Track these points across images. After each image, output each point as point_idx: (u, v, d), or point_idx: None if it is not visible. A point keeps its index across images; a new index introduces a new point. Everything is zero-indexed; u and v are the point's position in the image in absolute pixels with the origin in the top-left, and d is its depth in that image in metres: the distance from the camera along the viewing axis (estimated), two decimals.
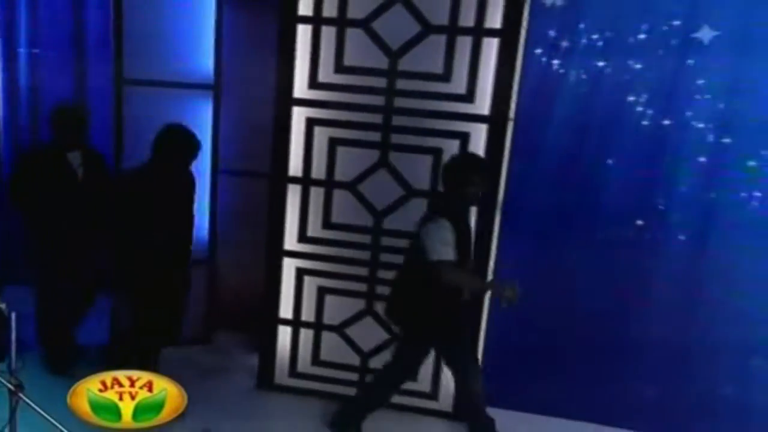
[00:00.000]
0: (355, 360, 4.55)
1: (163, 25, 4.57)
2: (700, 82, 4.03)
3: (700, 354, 4.24)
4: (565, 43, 4.12)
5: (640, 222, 4.23)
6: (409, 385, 4.47)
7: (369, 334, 4.49)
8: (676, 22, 3.97)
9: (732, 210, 4.10)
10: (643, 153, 4.12)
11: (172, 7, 4.57)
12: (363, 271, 4.40)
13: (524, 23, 3.96)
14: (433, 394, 4.49)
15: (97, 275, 4.54)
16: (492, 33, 3.92)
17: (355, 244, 4.37)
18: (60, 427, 3.02)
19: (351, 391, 4.54)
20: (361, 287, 4.43)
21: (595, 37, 4.08)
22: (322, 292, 4.49)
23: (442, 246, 3.64)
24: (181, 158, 4.17)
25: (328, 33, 4.10)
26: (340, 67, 4.13)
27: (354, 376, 4.56)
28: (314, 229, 4.39)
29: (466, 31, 3.94)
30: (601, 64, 4.11)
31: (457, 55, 3.98)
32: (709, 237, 4.16)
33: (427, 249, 3.63)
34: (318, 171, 4.31)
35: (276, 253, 4.46)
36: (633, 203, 4.22)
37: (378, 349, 4.49)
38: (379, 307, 4.35)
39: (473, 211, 4.08)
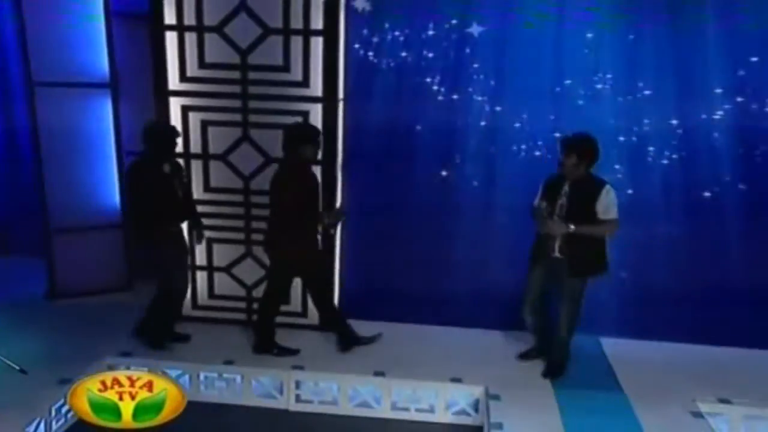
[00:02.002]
0: (241, 292, 4.64)
1: (61, 35, 4.44)
2: (476, 65, 4.26)
3: (489, 256, 4.54)
4: (375, 39, 4.25)
5: (444, 173, 4.46)
6: (283, 308, 4.58)
7: (250, 271, 4.58)
8: (454, 21, 4.19)
9: (507, 160, 4.39)
10: (441, 121, 4.32)
11: (68, 19, 4.43)
12: (240, 223, 4.47)
13: (341, 25, 4.08)
14: (303, 313, 4.65)
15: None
16: (317, 33, 4.02)
17: (230, 202, 4.42)
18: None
19: (241, 316, 4.67)
20: (240, 236, 4.50)
21: (397, 34, 4.23)
22: (210, 241, 4.53)
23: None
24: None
25: (190, 37, 4.10)
26: (203, 64, 4.14)
27: (242, 304, 4.66)
28: (198, 192, 4.40)
29: (296, 32, 4.03)
30: (404, 54, 4.27)
31: (293, 50, 4.07)
32: (492, 181, 4.43)
33: None
34: (195, 147, 4.32)
35: None
36: (438, 159, 4.43)
37: (258, 282, 4.58)
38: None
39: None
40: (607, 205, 3.77)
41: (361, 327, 4.65)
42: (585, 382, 4.06)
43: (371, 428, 3.93)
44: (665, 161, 4.29)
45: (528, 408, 3.76)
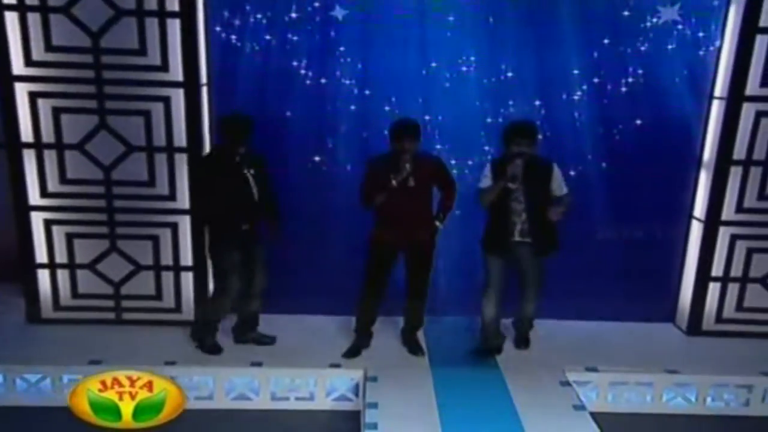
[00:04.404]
0: (108, 289, 4.68)
1: None
2: (342, 48, 4.50)
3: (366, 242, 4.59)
4: (237, 22, 4.40)
5: (317, 158, 4.70)
6: (155, 304, 4.74)
7: (117, 267, 4.63)
8: (317, 4, 4.41)
9: (379, 143, 4.52)
10: (311, 105, 4.54)
11: None
12: (102, 217, 4.50)
13: (200, 6, 4.21)
14: (177, 308, 4.75)
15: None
16: (173, 15, 4.14)
17: (91, 194, 4.45)
18: None
19: (109, 316, 4.71)
20: (103, 230, 4.54)
21: (259, 16, 4.40)
22: (70, 237, 4.54)
23: (482, 179, 4.24)
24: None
25: (33, 18, 4.09)
26: (50, 47, 4.14)
27: (110, 303, 4.70)
28: (53, 185, 4.41)
29: (151, 13, 4.12)
30: (268, 37, 4.44)
31: (148, 33, 4.16)
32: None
33: None
34: (48, 136, 4.32)
35: (23, 210, 4.44)
36: (310, 144, 4.66)
37: (126, 278, 4.65)
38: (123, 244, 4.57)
39: None
40: (560, 181, 4.24)
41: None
42: (462, 359, 4.43)
43: (250, 420, 4.10)
44: None
45: (404, 386, 4.08)
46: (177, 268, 4.67)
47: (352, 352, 4.42)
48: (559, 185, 4.26)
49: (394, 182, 4.06)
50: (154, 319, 4.72)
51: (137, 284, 4.67)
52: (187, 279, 4.69)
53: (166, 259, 4.64)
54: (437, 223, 4.30)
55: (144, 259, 4.62)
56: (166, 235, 4.58)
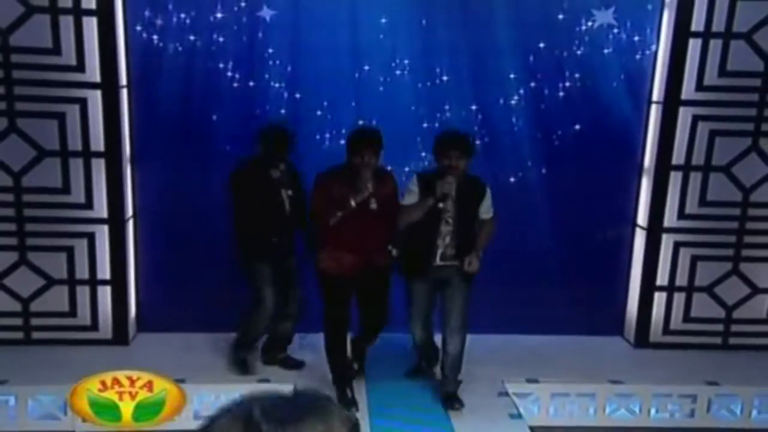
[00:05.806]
0: (16, 306, 4.72)
1: None
2: (270, 50, 4.73)
3: None
4: (159, 21, 4.60)
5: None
6: (69, 321, 4.82)
7: (26, 281, 4.69)
8: (243, 3, 4.64)
9: (311, 149, 4.80)
10: (239, 109, 4.73)
11: None
12: (11, 227, 4.59)
13: (118, 4, 4.42)
14: (93, 326, 4.82)
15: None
16: (89, 13, 4.32)
17: None
18: None
19: (17, 335, 4.75)
20: (12, 241, 4.61)
21: (183, 16, 4.61)
22: None
23: (407, 194, 4.10)
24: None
25: None
26: None
27: (18, 321, 4.73)
28: None
29: (65, 11, 4.30)
30: (192, 38, 4.65)
31: (63, 31, 4.32)
32: (305, 169, 4.67)
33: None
34: None
35: None
36: (238, 150, 4.68)
37: (37, 294, 4.71)
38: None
39: None
40: (489, 205, 4.25)
41: (161, 339, 4.93)
42: (400, 374, 4.62)
43: None
44: None
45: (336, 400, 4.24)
46: (93, 282, 4.77)
47: (350, 402, 4.16)
48: (487, 209, 4.23)
49: (353, 203, 3.87)
50: (68, 338, 4.77)
51: (49, 300, 4.74)
52: (105, 293, 4.79)
53: (82, 272, 4.74)
54: (392, 250, 4.20)
55: (57, 272, 4.71)
56: (81, 246, 4.69)
